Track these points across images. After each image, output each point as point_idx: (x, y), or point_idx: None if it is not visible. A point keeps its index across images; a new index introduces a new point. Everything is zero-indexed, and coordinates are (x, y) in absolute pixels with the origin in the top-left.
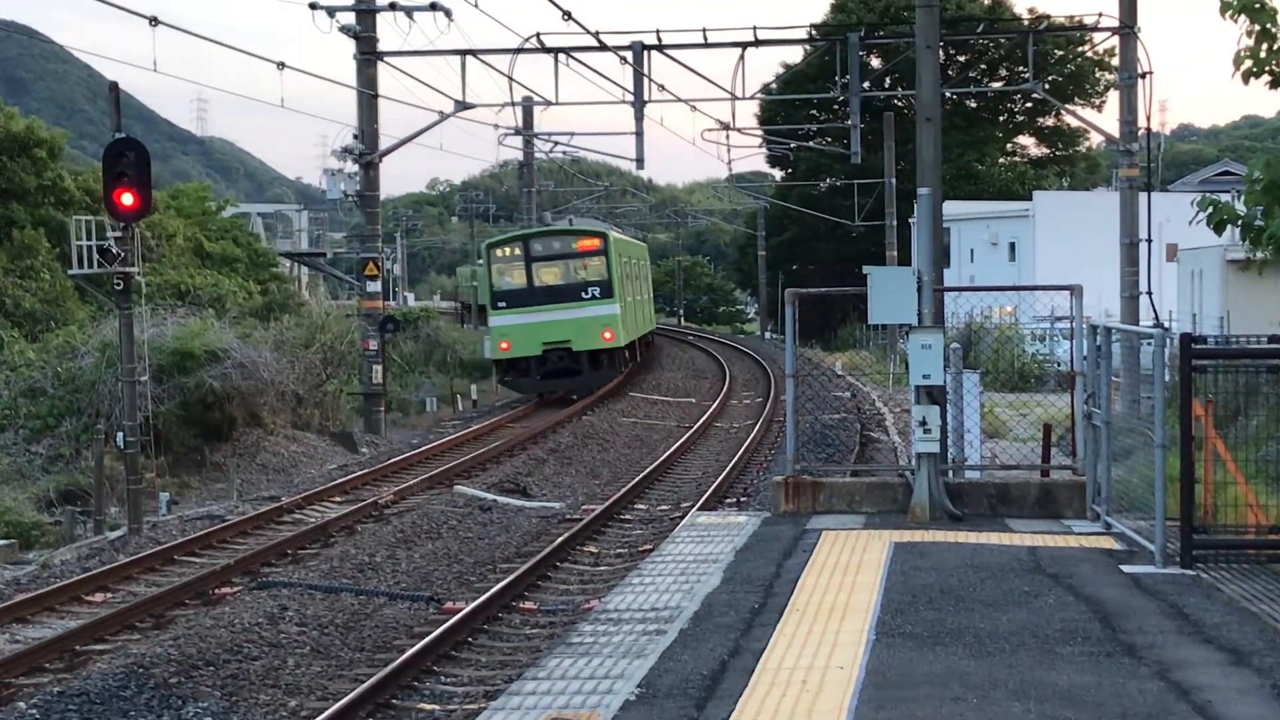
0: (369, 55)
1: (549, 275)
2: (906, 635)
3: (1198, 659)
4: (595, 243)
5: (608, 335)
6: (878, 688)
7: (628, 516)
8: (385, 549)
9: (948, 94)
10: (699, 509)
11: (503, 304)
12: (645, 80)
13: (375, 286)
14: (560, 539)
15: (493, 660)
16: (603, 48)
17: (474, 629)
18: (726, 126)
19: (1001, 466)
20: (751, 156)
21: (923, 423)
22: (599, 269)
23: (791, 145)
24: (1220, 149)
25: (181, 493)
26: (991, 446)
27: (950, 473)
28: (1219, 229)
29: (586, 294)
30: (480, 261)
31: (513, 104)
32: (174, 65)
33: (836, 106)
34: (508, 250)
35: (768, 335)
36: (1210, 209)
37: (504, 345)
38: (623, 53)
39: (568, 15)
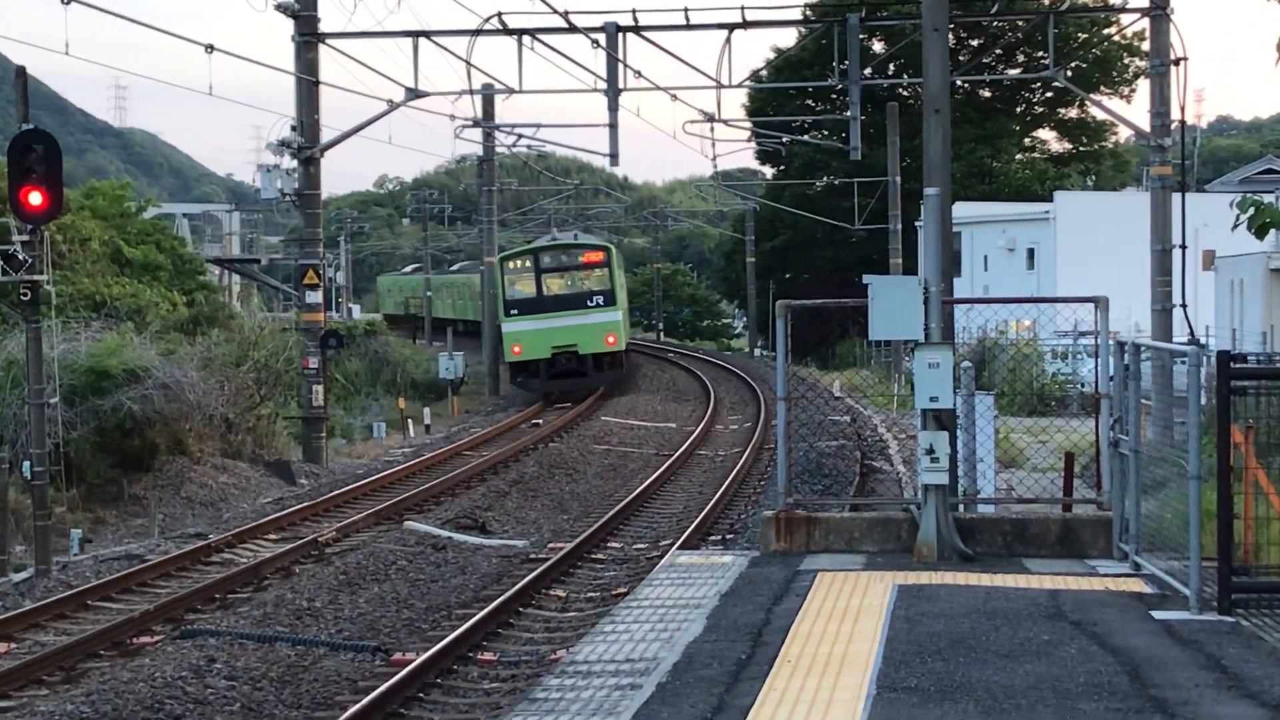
0: (309, 37)
1: (557, 285)
2: (911, 690)
3: (1237, 717)
4: (599, 256)
5: (611, 340)
6: None
7: (600, 556)
8: (326, 593)
9: (959, 82)
10: (679, 548)
11: (515, 311)
12: (620, 66)
13: (316, 297)
14: (524, 581)
15: (447, 719)
16: (572, 29)
17: (426, 683)
18: (711, 118)
19: (1018, 500)
20: (739, 152)
21: (930, 451)
22: (602, 279)
23: (784, 139)
24: (1263, 144)
25: (96, 529)
26: (1007, 478)
27: (961, 507)
28: (1261, 233)
29: (591, 302)
30: (407, 270)
31: (471, 92)
32: (89, 48)
33: (834, 96)
34: (519, 263)
35: (757, 352)
36: (1252, 211)
37: (516, 349)
38: (595, 35)
39: None
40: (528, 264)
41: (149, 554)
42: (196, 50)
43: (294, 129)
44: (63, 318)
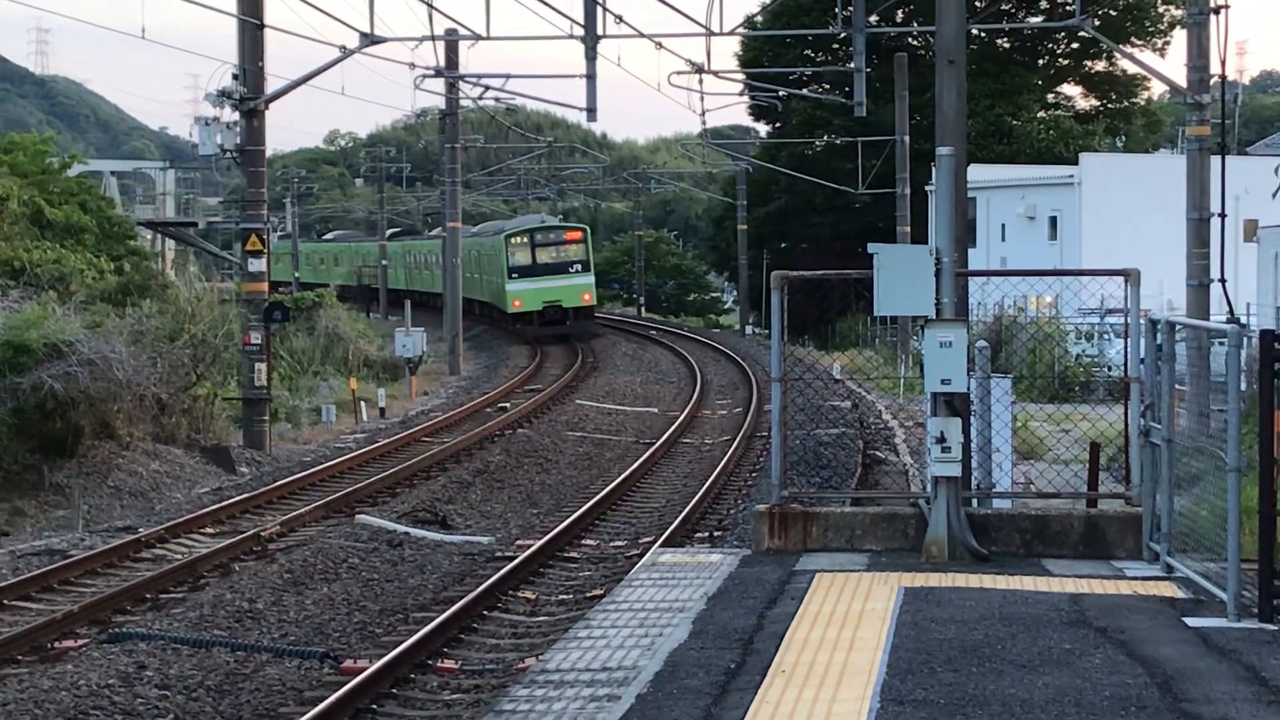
0: None
1: (546, 256)
2: (918, 703)
3: None
4: (578, 234)
5: (586, 297)
6: None
7: (573, 554)
8: (269, 593)
9: (974, 30)
10: (662, 545)
11: (515, 275)
12: (599, 10)
13: (259, 265)
14: (489, 581)
15: None
16: None
17: (380, 694)
18: (700, 69)
19: (1038, 494)
20: (731, 107)
21: (940, 439)
22: (580, 253)
23: (780, 93)
24: None
25: (13, 522)
26: (1026, 470)
27: (975, 501)
28: None
29: (571, 269)
30: (328, 236)
31: (433, 38)
32: None
33: (836, 46)
34: (519, 239)
35: (749, 330)
36: None
37: (517, 304)
38: None
39: None
40: (525, 240)
41: (72, 549)
42: None
43: (235, 78)
44: None
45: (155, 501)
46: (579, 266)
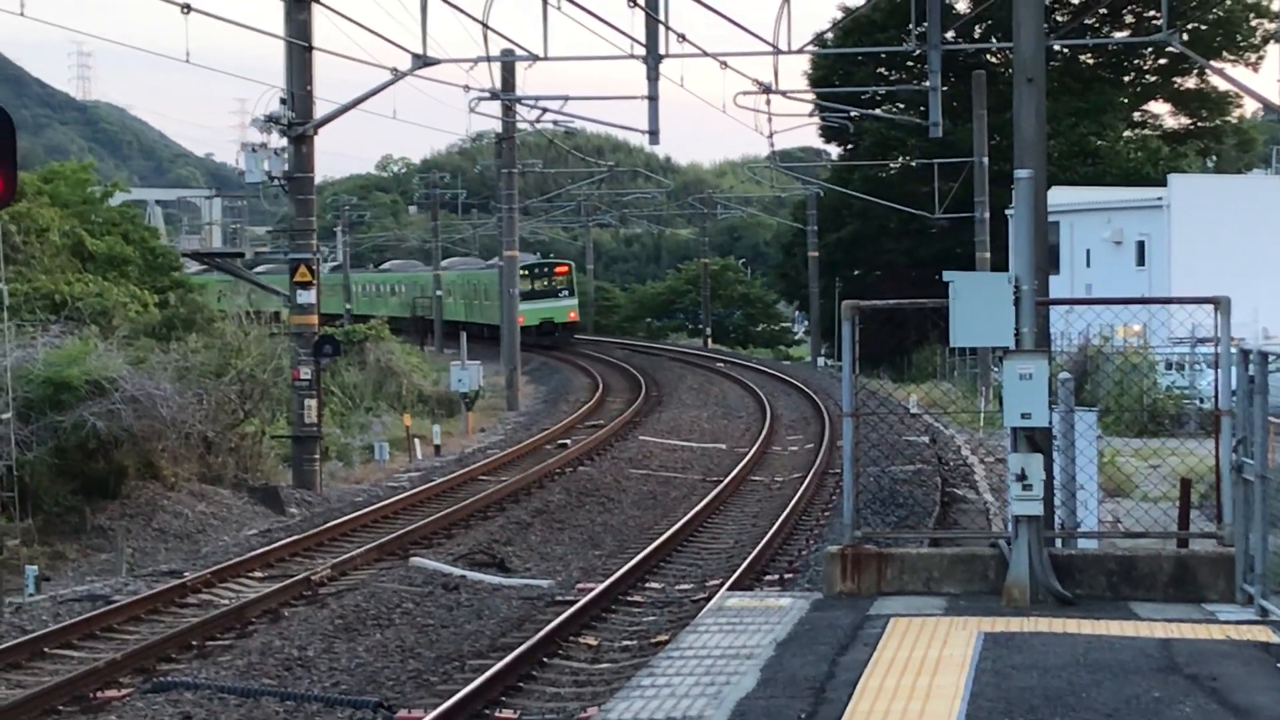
0: None
1: (541, 285)
2: None
3: None
4: (566, 268)
5: (572, 315)
6: None
7: (637, 598)
8: (320, 640)
9: (1056, 47)
10: (729, 589)
11: (522, 299)
12: (661, 28)
13: (309, 296)
14: (549, 627)
15: None
16: None
17: None
18: (767, 89)
19: (1125, 534)
20: (800, 128)
21: (1022, 476)
22: (566, 282)
23: (852, 114)
24: None
25: (54, 566)
26: (1112, 508)
27: (1058, 542)
28: None
29: (560, 293)
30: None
31: (489, 59)
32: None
33: (911, 63)
34: (522, 272)
35: (821, 361)
36: None
37: (520, 320)
38: None
39: None
40: (526, 273)
41: (116, 594)
42: (171, 11)
43: (283, 102)
44: (17, 320)
45: (201, 544)
46: (566, 292)
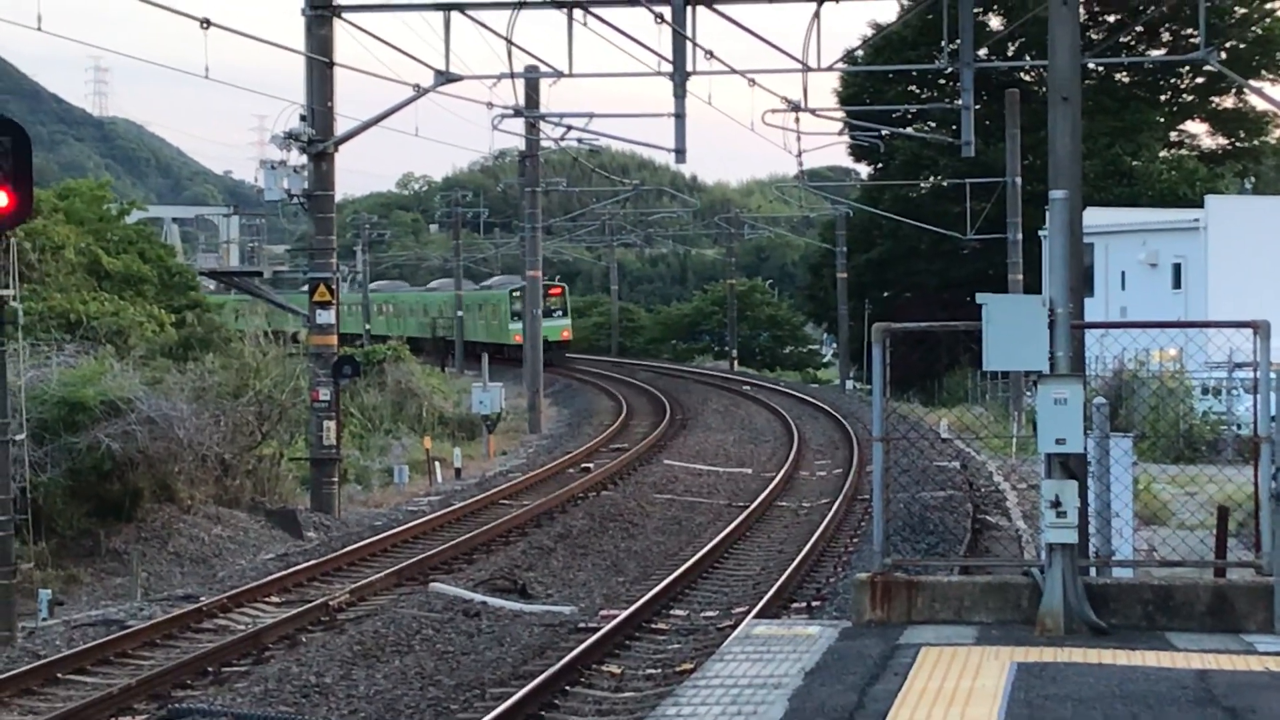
0: (322, 10)
1: None
2: None
3: None
4: (560, 290)
5: (565, 334)
6: None
7: (661, 625)
8: (338, 666)
9: (1091, 65)
10: (756, 616)
11: (515, 318)
12: (688, 45)
13: (328, 316)
14: (571, 655)
15: None
16: (632, 1)
17: None
18: (796, 107)
19: (1161, 563)
20: (829, 147)
21: (1055, 503)
22: (560, 303)
23: (882, 132)
24: None
25: (68, 590)
26: (1148, 536)
27: (1093, 570)
28: None
29: (554, 314)
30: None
31: (512, 75)
32: (65, 23)
33: (943, 81)
34: (517, 293)
35: (849, 385)
36: None
37: (517, 338)
38: (659, 7)
39: None
40: (520, 294)
41: (130, 619)
42: (191, 26)
43: (303, 119)
44: (31, 339)
45: (218, 568)
46: (560, 312)
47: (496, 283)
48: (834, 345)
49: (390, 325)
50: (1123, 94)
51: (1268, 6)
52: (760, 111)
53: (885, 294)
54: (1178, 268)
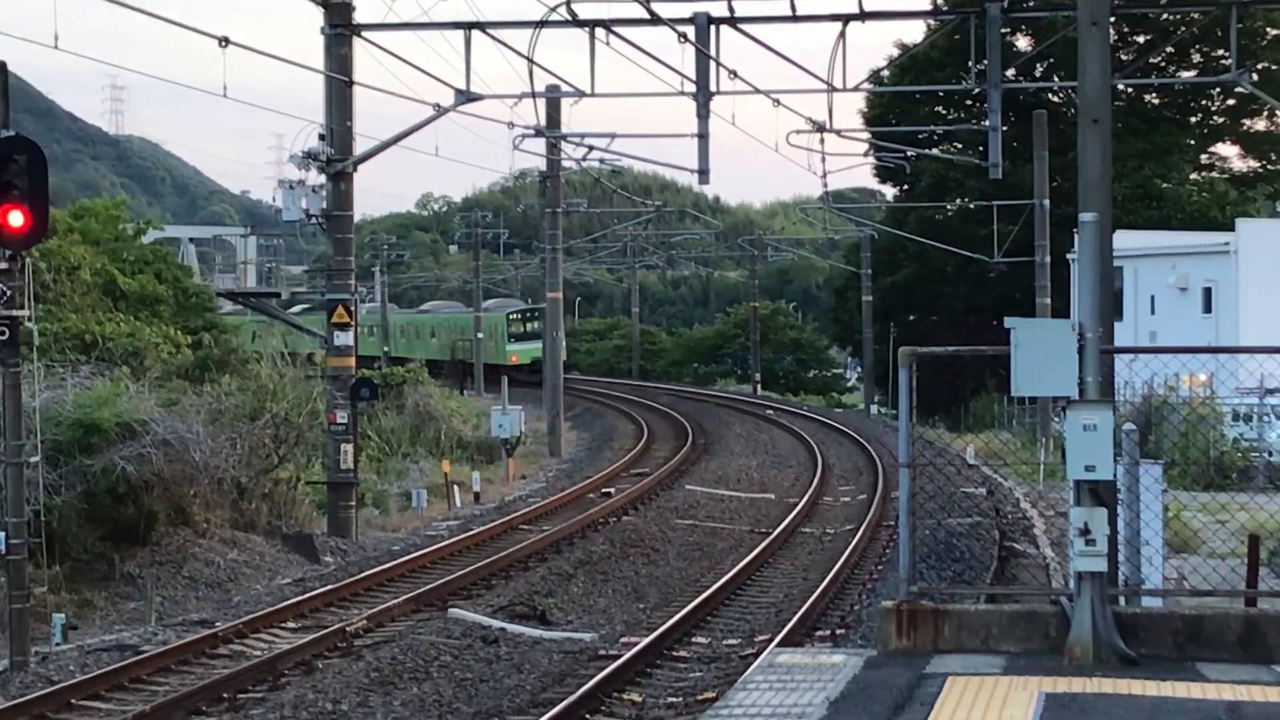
0: (342, 29)
1: (531, 328)
2: None
3: None
4: None
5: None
6: None
7: (683, 653)
8: (355, 693)
9: (1121, 86)
10: (779, 644)
11: (512, 340)
12: (712, 65)
13: (346, 338)
14: (591, 682)
15: None
16: (655, 20)
17: None
18: (821, 128)
19: (1192, 592)
20: (854, 168)
21: (1084, 531)
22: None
23: (908, 153)
24: None
25: (82, 614)
26: (1178, 564)
27: (1122, 599)
28: None
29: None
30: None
31: (533, 95)
32: (81, 41)
33: (970, 102)
34: (514, 316)
35: (874, 409)
36: None
37: (514, 358)
38: (682, 27)
39: None
40: (518, 317)
41: (145, 644)
42: (208, 45)
43: (322, 138)
44: (46, 360)
45: (233, 593)
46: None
47: (492, 305)
48: (858, 369)
49: (410, 348)
50: (1153, 116)
51: None
52: (785, 132)
53: (911, 317)
54: (1208, 292)
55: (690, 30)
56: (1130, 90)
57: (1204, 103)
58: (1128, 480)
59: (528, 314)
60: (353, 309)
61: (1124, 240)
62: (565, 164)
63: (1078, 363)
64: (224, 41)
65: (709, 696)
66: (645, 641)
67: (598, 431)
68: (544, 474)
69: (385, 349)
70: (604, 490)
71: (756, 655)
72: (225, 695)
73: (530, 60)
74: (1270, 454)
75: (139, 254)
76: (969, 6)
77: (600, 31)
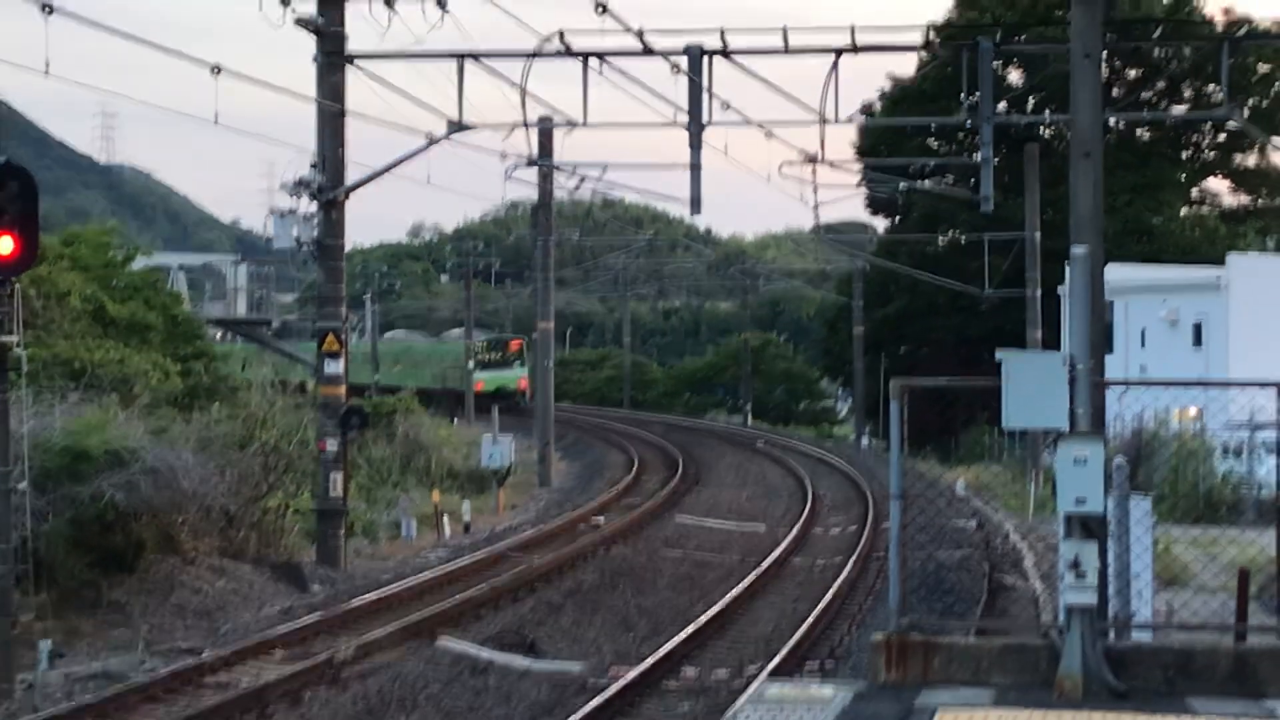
0: (334, 57)
1: (496, 356)
2: None
3: None
4: (518, 343)
5: (522, 383)
6: None
7: (672, 685)
8: None
9: (1112, 121)
10: (769, 676)
11: (479, 368)
12: (704, 95)
13: (337, 367)
14: (580, 713)
15: None
16: (648, 51)
17: None
18: (813, 159)
19: (1181, 626)
20: (846, 200)
21: (1075, 565)
22: (517, 355)
23: (900, 186)
24: None
25: (69, 641)
26: (1168, 598)
27: (1112, 633)
28: None
29: (513, 364)
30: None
31: (526, 125)
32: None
33: (962, 135)
34: (482, 345)
35: (865, 441)
36: None
37: (479, 385)
38: (675, 58)
39: (603, 8)
40: (485, 346)
41: (131, 672)
42: (200, 73)
43: (314, 166)
44: (35, 387)
45: (221, 622)
46: (518, 363)
47: (453, 335)
48: (849, 401)
49: (402, 376)
50: (1144, 150)
51: None
52: (777, 163)
53: (902, 349)
54: (1198, 326)
55: (683, 61)
56: (1122, 125)
57: (1195, 138)
58: (1118, 514)
59: (492, 344)
60: (344, 337)
61: (1115, 274)
62: (557, 194)
63: (1069, 395)
64: (216, 69)
65: None
66: (634, 672)
67: (588, 461)
68: (534, 504)
69: (375, 378)
70: (594, 520)
71: (746, 687)
72: None
73: (523, 90)
74: (1260, 489)
75: (129, 281)
76: (961, 40)
77: (593, 62)
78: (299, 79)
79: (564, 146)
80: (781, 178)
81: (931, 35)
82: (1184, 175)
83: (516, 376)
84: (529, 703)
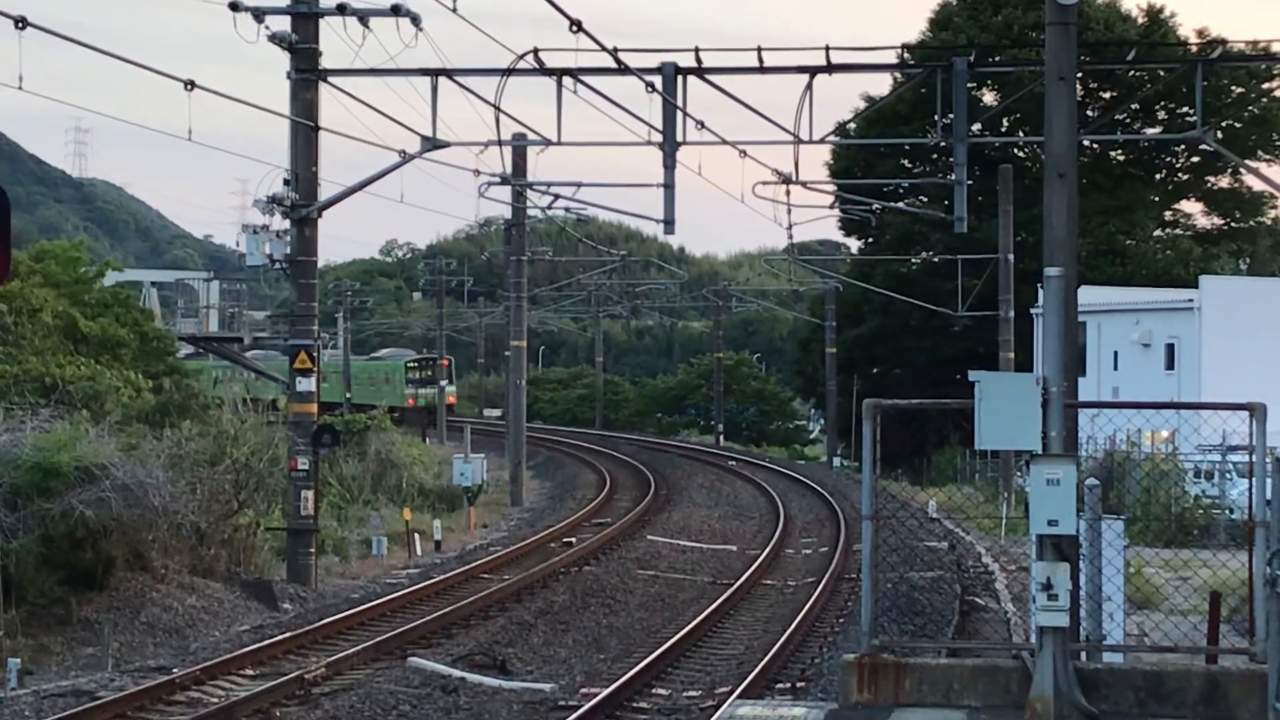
0: (308, 74)
1: (426, 374)
2: None
3: None
4: (447, 361)
5: (451, 399)
6: None
7: (643, 704)
8: None
9: (1086, 142)
10: (740, 697)
11: (410, 385)
12: (679, 114)
13: (308, 384)
14: None
15: None
16: (623, 70)
17: None
18: (787, 180)
19: (1153, 648)
20: (820, 220)
21: (1046, 586)
22: (447, 372)
23: (874, 206)
24: None
25: (38, 659)
26: (1140, 620)
27: (1084, 655)
28: None
29: (441, 381)
30: (381, 353)
31: (500, 143)
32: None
33: (936, 155)
34: (413, 364)
35: (837, 462)
36: None
37: (410, 400)
38: (649, 77)
39: (577, 26)
40: (416, 364)
41: (101, 690)
42: (173, 88)
43: (287, 183)
44: (6, 403)
45: (191, 640)
46: (446, 381)
47: (387, 354)
48: (821, 421)
49: (373, 394)
50: (1117, 172)
51: (1264, 86)
52: (750, 183)
53: (875, 370)
54: (1171, 348)
55: (657, 80)
56: (1095, 146)
57: (1168, 160)
58: (1090, 535)
59: (423, 362)
60: (315, 355)
61: (1088, 296)
62: (531, 212)
63: (1042, 417)
64: (189, 85)
65: None
66: (605, 692)
67: (560, 481)
68: (505, 523)
69: (348, 395)
70: (565, 540)
71: (717, 707)
72: None
73: (497, 108)
74: (1232, 511)
75: (100, 297)
76: (936, 60)
77: (567, 80)
78: (273, 96)
79: (538, 164)
80: (755, 198)
81: (906, 55)
82: (1157, 197)
83: (446, 392)
84: None
